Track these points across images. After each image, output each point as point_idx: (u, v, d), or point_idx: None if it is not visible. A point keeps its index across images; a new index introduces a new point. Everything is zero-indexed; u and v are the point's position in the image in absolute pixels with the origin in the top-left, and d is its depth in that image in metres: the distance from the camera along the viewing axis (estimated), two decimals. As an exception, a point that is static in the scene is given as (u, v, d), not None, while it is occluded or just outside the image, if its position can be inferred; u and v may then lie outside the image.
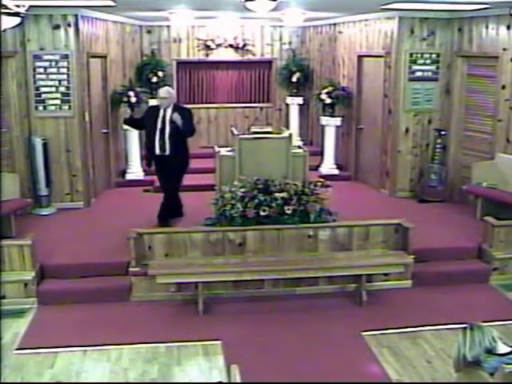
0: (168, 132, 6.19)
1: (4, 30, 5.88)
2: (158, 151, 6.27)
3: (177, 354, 4.60)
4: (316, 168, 9.00)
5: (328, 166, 9.21)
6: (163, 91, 6.37)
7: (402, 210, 7.33)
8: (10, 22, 5.26)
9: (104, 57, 8.24)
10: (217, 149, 6.31)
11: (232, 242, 5.59)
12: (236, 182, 5.69)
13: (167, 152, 6.24)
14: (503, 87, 6.96)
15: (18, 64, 6.98)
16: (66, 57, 7.14)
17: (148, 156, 6.58)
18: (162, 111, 6.27)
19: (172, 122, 6.15)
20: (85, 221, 7.00)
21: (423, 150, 8.07)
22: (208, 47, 10.50)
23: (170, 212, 6.54)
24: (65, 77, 7.19)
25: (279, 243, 5.65)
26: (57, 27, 7.09)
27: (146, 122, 6.50)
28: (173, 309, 5.35)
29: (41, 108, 7.24)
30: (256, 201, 5.52)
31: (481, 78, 7.46)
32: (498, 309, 5.38)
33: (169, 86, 10.11)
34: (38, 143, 7.17)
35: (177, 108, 6.33)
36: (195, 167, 8.96)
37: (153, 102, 9.74)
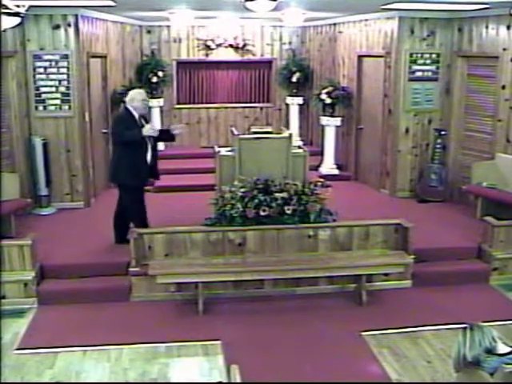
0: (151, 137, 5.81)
1: (4, 30, 5.88)
2: (150, 160, 5.85)
3: (177, 354, 4.61)
4: (316, 168, 9.00)
5: (328, 166, 9.21)
6: (141, 93, 5.91)
7: (402, 209, 7.33)
8: (9, 21, 5.26)
9: (104, 57, 8.24)
10: (217, 149, 6.30)
11: (232, 242, 5.59)
12: (236, 182, 5.69)
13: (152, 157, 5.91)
14: (503, 87, 6.96)
15: (18, 64, 6.98)
16: (65, 57, 7.15)
17: (135, 177, 5.76)
18: (137, 116, 5.80)
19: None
20: (85, 221, 7.00)
21: (423, 150, 8.07)
22: (208, 47, 10.50)
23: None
24: (65, 77, 7.20)
25: (279, 243, 5.65)
26: (57, 27, 7.09)
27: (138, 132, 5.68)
28: (173, 309, 5.35)
29: (41, 108, 7.25)
30: (256, 201, 5.51)
31: (481, 78, 7.46)
32: (498, 309, 5.37)
33: (169, 86, 10.26)
34: (38, 143, 7.18)
35: None
36: (195, 167, 9.04)
37: (153, 102, 9.81)
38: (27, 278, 5.35)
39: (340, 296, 5.61)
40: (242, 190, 5.57)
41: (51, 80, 7.19)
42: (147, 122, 6.04)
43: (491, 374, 3.09)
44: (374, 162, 8.57)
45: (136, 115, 5.78)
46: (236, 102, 10.90)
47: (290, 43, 10.81)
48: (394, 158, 8.08)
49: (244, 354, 4.49)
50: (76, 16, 7.08)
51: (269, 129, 6.84)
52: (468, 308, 5.35)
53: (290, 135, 6.15)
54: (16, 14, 5.18)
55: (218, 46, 10.53)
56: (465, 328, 3.23)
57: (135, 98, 5.78)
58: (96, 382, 4.26)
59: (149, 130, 5.65)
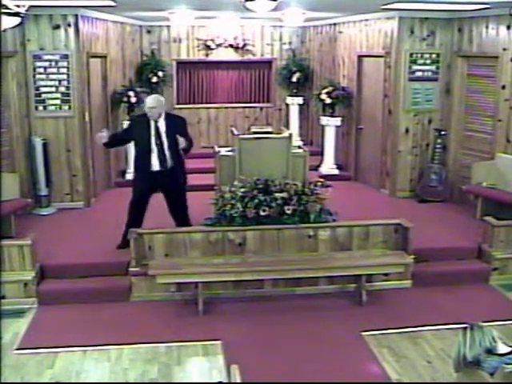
0: (167, 145, 5.68)
1: (4, 30, 5.87)
2: (157, 167, 5.70)
3: (177, 354, 4.60)
4: (316, 168, 9.00)
5: (328, 166, 9.21)
6: (151, 100, 5.70)
7: (402, 209, 7.33)
8: (10, 21, 5.25)
9: (104, 57, 8.24)
10: (217, 149, 6.31)
11: (232, 242, 5.59)
12: (236, 182, 5.69)
13: (169, 165, 5.72)
14: (503, 87, 6.95)
15: (18, 64, 6.97)
16: (65, 57, 7.15)
17: (136, 175, 5.93)
18: (152, 122, 5.68)
19: (168, 134, 5.67)
20: (85, 221, 7.00)
21: (423, 150, 8.07)
22: (208, 47, 10.50)
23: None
24: (65, 77, 7.20)
25: (279, 243, 5.65)
26: (57, 27, 7.09)
27: (135, 136, 5.81)
28: (173, 309, 5.35)
29: (41, 108, 7.25)
30: (256, 201, 5.51)
31: (481, 78, 7.46)
32: (498, 309, 5.37)
33: (169, 86, 10.26)
34: (38, 143, 7.17)
35: (169, 117, 5.86)
36: (195, 167, 9.02)
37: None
38: (27, 278, 5.35)
39: (340, 296, 5.60)
40: (242, 190, 5.57)
41: (51, 80, 7.19)
42: (183, 135, 5.70)
43: (491, 374, 3.09)
44: (374, 162, 8.57)
45: (151, 120, 5.70)
46: (236, 102, 10.89)
47: (290, 43, 10.80)
48: (394, 158, 8.08)
49: (244, 354, 4.49)
50: (76, 16, 7.08)
51: (269, 129, 6.83)
52: (468, 308, 5.35)
53: (290, 135, 6.15)
54: (16, 14, 5.17)
55: (218, 46, 10.52)
56: (465, 328, 3.24)
57: (145, 104, 5.83)
58: (96, 382, 4.26)
59: (98, 136, 5.86)
